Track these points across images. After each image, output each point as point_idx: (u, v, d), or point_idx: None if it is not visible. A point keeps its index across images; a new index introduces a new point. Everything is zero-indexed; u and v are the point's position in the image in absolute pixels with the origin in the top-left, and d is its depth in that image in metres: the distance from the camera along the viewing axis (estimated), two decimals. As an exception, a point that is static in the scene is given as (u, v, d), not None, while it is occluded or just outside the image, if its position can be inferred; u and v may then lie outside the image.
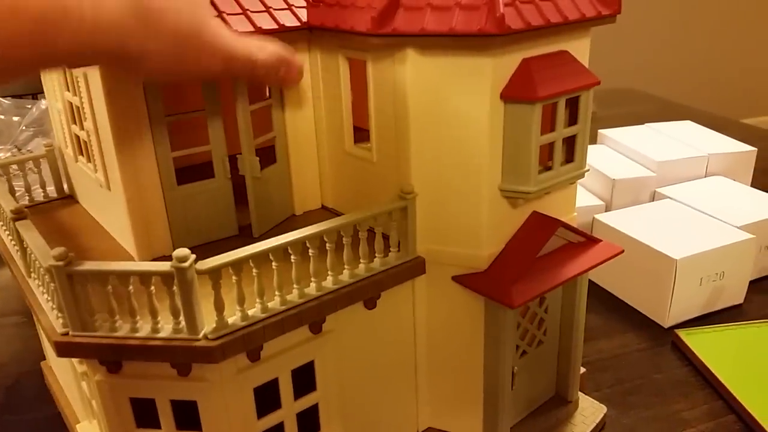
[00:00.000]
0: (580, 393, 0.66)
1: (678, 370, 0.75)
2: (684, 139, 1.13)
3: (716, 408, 0.68)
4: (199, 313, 0.43)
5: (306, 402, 0.52)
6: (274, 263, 0.45)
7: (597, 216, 0.90)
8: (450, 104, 0.49)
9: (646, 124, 1.23)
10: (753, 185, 1.03)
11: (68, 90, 0.59)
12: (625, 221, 0.88)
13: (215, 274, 0.43)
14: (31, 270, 0.52)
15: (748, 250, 0.83)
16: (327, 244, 0.48)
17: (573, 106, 0.52)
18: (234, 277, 0.44)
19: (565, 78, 0.50)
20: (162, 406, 0.47)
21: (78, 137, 0.61)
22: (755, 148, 1.10)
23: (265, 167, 0.58)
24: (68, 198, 0.70)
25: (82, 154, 0.62)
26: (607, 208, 0.99)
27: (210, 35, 0.44)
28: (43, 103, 1.61)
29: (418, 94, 0.50)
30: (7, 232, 0.60)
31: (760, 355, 0.75)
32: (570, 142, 0.53)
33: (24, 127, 1.56)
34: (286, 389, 0.50)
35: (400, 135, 0.52)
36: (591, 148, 1.14)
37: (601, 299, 0.89)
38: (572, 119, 0.53)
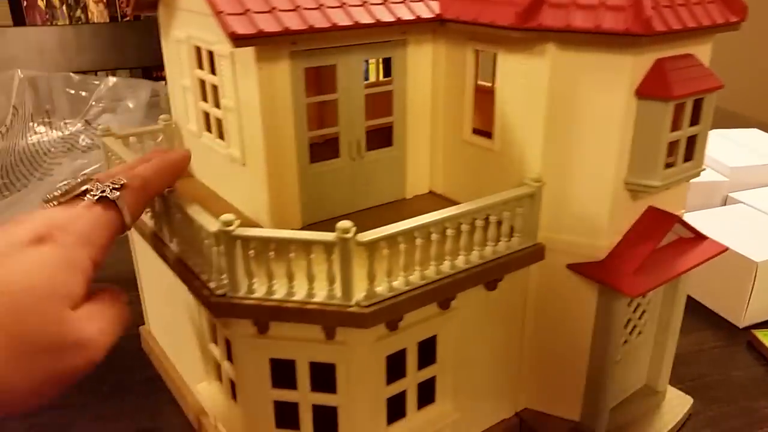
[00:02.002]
0: (668, 385, 0.69)
1: (756, 368, 0.77)
2: (753, 146, 1.15)
3: (797, 406, 0.70)
4: (353, 281, 0.46)
5: (426, 373, 0.55)
6: (417, 240, 0.48)
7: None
8: (585, 98, 0.52)
9: (714, 130, 1.24)
10: (824, 195, 1.04)
11: (201, 68, 0.63)
12: (701, 223, 0.90)
13: (372, 246, 0.46)
14: (173, 237, 0.55)
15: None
16: (462, 225, 0.51)
17: (697, 106, 0.54)
18: (386, 251, 0.47)
19: (694, 80, 0.53)
20: (301, 368, 0.50)
21: (206, 113, 0.64)
22: (828, 158, 1.10)
23: (380, 149, 0.61)
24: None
25: (209, 131, 0.65)
26: (680, 210, 1.01)
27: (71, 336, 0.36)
28: (110, 80, 1.66)
29: (555, 87, 0.52)
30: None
31: (838, 360, 0.77)
32: (691, 142, 0.56)
33: (93, 103, 1.61)
34: (412, 360, 0.53)
35: (531, 126, 0.54)
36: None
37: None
38: (694, 119, 0.55)
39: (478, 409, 0.60)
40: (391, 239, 0.46)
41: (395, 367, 0.52)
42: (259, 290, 0.47)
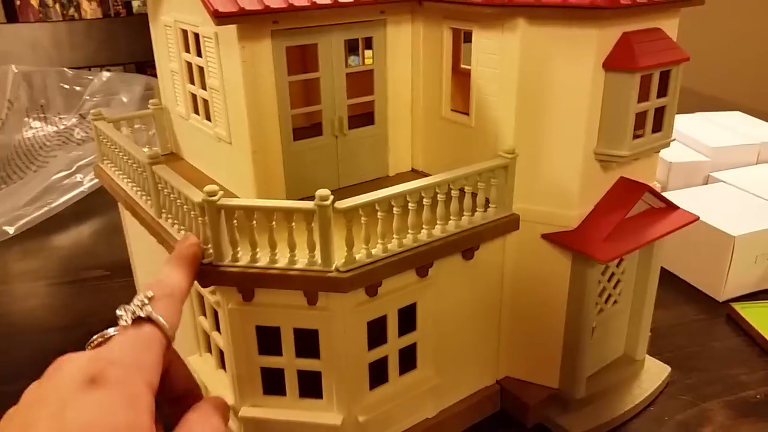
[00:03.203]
0: (646, 355, 0.71)
1: (734, 339, 0.79)
2: (735, 128, 1.17)
3: (772, 374, 0.73)
4: (332, 248, 0.48)
5: (407, 340, 0.57)
6: (395, 209, 0.50)
7: (654, 195, 0.94)
8: (554, 71, 0.54)
9: (697, 113, 1.26)
10: (804, 174, 1.06)
11: (188, 51, 0.65)
12: (682, 201, 0.92)
13: (350, 213, 0.48)
14: (164, 209, 0.57)
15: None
16: (438, 195, 0.53)
17: (664, 79, 0.56)
18: (363, 219, 0.49)
19: (660, 52, 0.55)
20: (285, 334, 0.53)
21: (194, 96, 0.66)
22: (808, 138, 1.13)
23: (362, 128, 0.63)
24: (171, 155, 0.76)
25: (197, 112, 0.67)
26: (663, 191, 1.03)
27: None
28: (103, 75, 1.68)
29: (525, 61, 0.54)
30: (126, 179, 0.66)
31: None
32: (659, 113, 0.58)
33: (87, 97, 1.63)
34: (392, 326, 0.55)
35: (504, 100, 0.56)
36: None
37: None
38: (662, 91, 0.57)
39: (459, 376, 0.62)
40: (368, 207, 0.48)
41: (377, 333, 0.55)
42: (243, 258, 0.49)
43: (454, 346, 0.61)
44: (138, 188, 0.63)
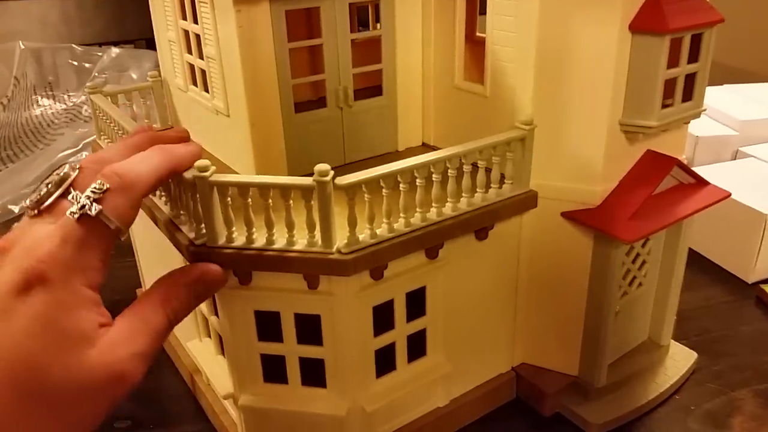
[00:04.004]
0: (671, 340, 0.67)
1: (764, 323, 0.74)
2: (765, 100, 1.11)
3: (806, 361, 0.68)
4: (334, 228, 0.45)
5: (416, 326, 0.53)
6: (402, 185, 0.47)
7: (680, 171, 0.89)
8: (576, 36, 0.49)
9: (724, 85, 1.20)
10: (840, 148, 1.01)
11: (185, 19, 0.61)
12: (710, 177, 0.87)
13: (352, 190, 0.44)
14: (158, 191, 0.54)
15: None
16: (449, 171, 0.49)
17: (696, 43, 0.52)
18: (366, 196, 0.45)
19: (692, 13, 0.50)
20: (286, 320, 0.49)
21: (192, 66, 0.63)
22: (844, 111, 1.06)
23: (369, 99, 0.59)
24: (170, 128, 0.73)
25: (195, 84, 0.63)
26: (689, 166, 0.98)
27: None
28: (113, 51, 1.65)
29: (544, 23, 0.50)
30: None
31: None
32: (689, 81, 0.53)
33: (96, 74, 1.60)
34: (400, 311, 0.52)
35: (522, 67, 0.52)
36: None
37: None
38: (693, 57, 0.52)
39: (473, 363, 0.59)
40: (372, 183, 0.45)
41: (383, 318, 0.51)
42: (238, 239, 0.46)
43: (467, 332, 0.57)
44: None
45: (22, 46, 1.54)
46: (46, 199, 0.37)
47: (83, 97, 1.58)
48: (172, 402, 0.64)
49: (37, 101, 1.54)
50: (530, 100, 0.52)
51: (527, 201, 0.54)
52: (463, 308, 0.56)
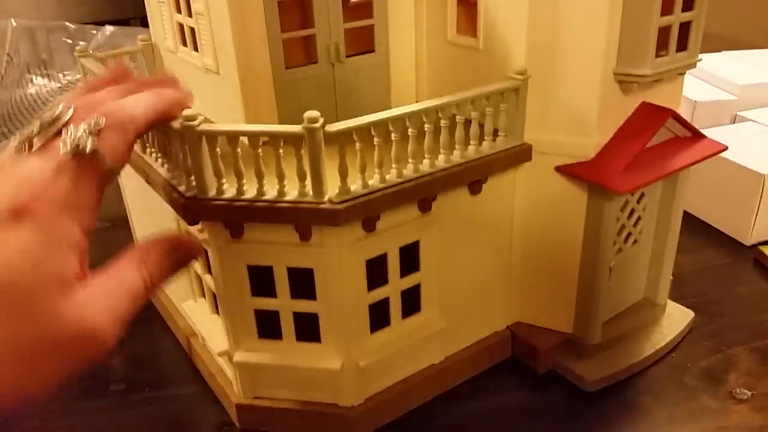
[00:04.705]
0: (669, 300, 0.67)
1: (762, 284, 0.74)
2: (764, 65, 1.10)
3: (803, 319, 0.68)
4: (325, 177, 0.44)
5: (410, 281, 0.53)
6: (393, 135, 0.46)
7: (678, 136, 0.89)
8: (570, -17, 0.48)
9: (724, 51, 1.19)
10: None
11: (173, -23, 0.60)
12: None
13: (343, 137, 0.44)
14: (147, 145, 0.53)
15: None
16: (442, 121, 0.48)
17: (691, -10, 0.51)
18: (358, 145, 0.44)
19: (687, -42, 0.49)
20: (279, 274, 0.49)
21: (181, 26, 0.62)
22: (843, 75, 1.06)
23: (362, 55, 0.59)
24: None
25: (185, 44, 0.62)
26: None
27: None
28: (107, 30, 1.63)
29: (537, -28, 0.49)
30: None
31: None
32: (684, 30, 0.52)
33: (91, 52, 1.59)
34: (393, 266, 0.51)
35: (515, 17, 0.51)
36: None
37: (683, 219, 0.88)
38: (688, 4, 0.51)
39: (468, 320, 0.58)
40: (363, 131, 0.44)
41: (377, 273, 0.51)
42: (229, 191, 0.46)
43: (461, 288, 0.57)
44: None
45: (14, 24, 1.53)
46: (39, 136, 0.35)
47: (78, 76, 1.57)
48: (168, 365, 0.64)
49: (32, 80, 1.53)
50: (523, 51, 0.52)
51: (521, 154, 0.53)
52: (458, 264, 0.56)
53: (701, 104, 0.97)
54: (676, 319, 0.65)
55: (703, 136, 0.57)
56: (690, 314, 0.66)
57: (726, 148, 0.57)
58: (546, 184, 0.55)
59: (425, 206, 0.50)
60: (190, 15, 0.58)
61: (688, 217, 0.88)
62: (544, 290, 0.60)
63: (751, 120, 0.95)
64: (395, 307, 0.53)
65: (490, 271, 0.58)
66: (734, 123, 0.98)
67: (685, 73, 0.55)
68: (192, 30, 0.59)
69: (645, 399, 0.57)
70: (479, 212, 0.55)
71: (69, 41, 1.63)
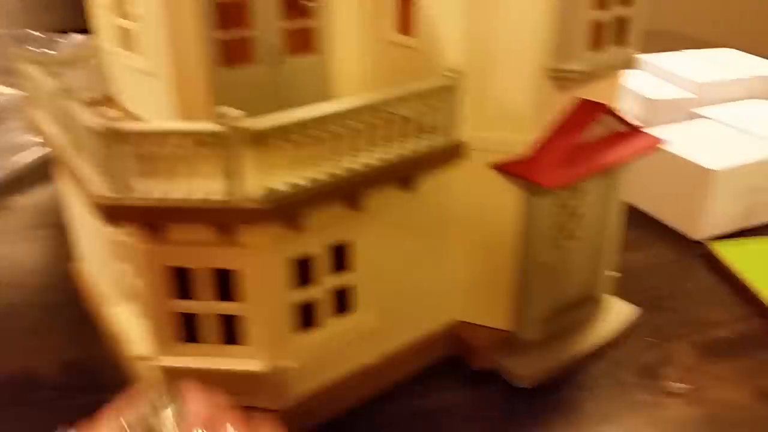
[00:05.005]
0: (611, 296, 0.67)
1: (710, 280, 0.75)
2: (724, 64, 1.11)
3: (749, 313, 0.68)
4: (246, 175, 0.44)
5: (342, 281, 0.53)
6: (319, 133, 0.46)
7: (633, 133, 0.89)
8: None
9: (685, 50, 1.20)
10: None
11: (108, -25, 0.59)
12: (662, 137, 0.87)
13: (263, 136, 0.43)
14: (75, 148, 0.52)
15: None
16: (373, 120, 0.48)
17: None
18: (281, 143, 0.44)
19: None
20: (201, 275, 0.48)
21: (120, 28, 0.61)
22: (801, 72, 1.06)
23: (303, 55, 0.58)
24: (107, 99, 0.71)
25: (125, 48, 0.62)
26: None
27: None
28: (75, 38, 1.61)
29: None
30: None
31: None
32: (622, 26, 0.52)
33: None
34: (322, 265, 0.51)
35: (450, 14, 0.51)
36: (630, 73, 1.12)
37: (632, 215, 0.88)
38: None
39: (405, 319, 0.58)
40: (283, 130, 0.44)
41: (305, 273, 0.50)
42: (149, 190, 0.45)
43: (399, 288, 0.56)
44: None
45: (-26, 30, 1.51)
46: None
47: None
48: (98, 370, 0.63)
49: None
50: (459, 49, 0.51)
51: (456, 151, 0.53)
52: (396, 263, 0.55)
53: (658, 102, 0.98)
54: (618, 314, 0.65)
55: (640, 131, 0.57)
56: (632, 310, 0.66)
57: (662, 142, 0.57)
58: (482, 182, 0.55)
59: (355, 204, 0.50)
60: (127, 18, 0.58)
61: (639, 214, 0.88)
62: (482, 288, 0.60)
63: (707, 117, 0.95)
64: (326, 308, 0.53)
65: (428, 269, 0.58)
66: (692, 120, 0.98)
67: (624, 69, 0.55)
68: (130, 32, 0.59)
69: (581, 395, 0.57)
70: (415, 210, 0.55)
71: (36, 50, 1.61)
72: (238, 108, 0.56)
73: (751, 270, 0.73)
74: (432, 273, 0.58)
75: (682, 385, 0.58)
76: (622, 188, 0.60)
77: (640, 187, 0.89)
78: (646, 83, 1.05)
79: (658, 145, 0.56)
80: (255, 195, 0.44)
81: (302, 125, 0.44)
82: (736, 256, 0.76)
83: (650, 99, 0.97)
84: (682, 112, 0.99)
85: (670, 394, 0.57)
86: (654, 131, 0.90)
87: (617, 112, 0.55)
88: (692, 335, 0.64)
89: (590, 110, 0.53)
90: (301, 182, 0.46)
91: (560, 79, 0.51)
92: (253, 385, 0.51)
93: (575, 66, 0.49)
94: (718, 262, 0.77)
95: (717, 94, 1.02)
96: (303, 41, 0.60)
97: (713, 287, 0.73)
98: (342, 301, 0.54)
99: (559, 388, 0.57)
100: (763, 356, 0.62)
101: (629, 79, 1.06)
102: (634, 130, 0.57)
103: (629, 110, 1.03)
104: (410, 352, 0.58)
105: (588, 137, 0.54)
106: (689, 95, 1.00)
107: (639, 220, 0.87)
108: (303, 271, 0.50)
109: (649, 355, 0.62)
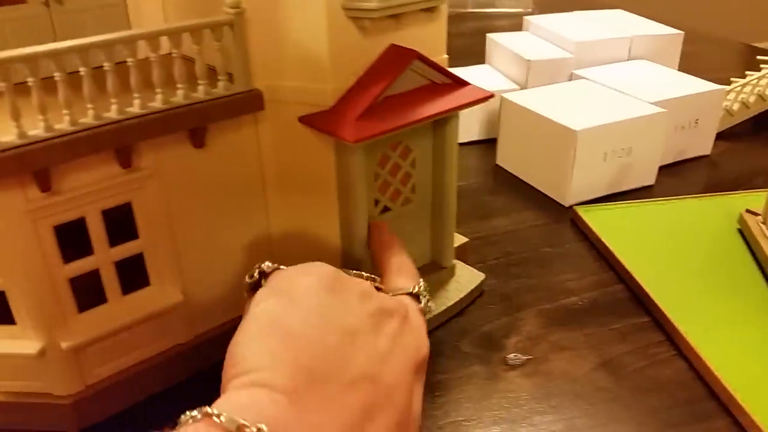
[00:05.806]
0: (459, 262, 0.62)
1: (571, 244, 0.71)
2: (610, 24, 1.08)
3: (605, 279, 0.65)
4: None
5: (125, 250, 0.46)
6: (57, 74, 0.39)
7: (504, 95, 0.85)
8: None
9: (575, 11, 1.17)
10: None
11: None
12: (533, 99, 0.83)
13: (-26, 75, 0.36)
14: None
15: (659, 125, 0.79)
16: (129, 61, 0.41)
17: None
18: (2, 83, 0.37)
19: None
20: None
21: None
22: (682, 32, 1.04)
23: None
24: None
25: None
26: (520, 88, 0.94)
27: None
28: None
29: None
30: None
31: (657, 230, 0.71)
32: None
33: None
34: (97, 233, 0.44)
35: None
36: (514, 34, 1.08)
37: (504, 181, 0.85)
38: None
39: (219, 294, 0.52)
40: (8, 66, 0.37)
41: (77, 242, 0.44)
42: None
43: (206, 257, 0.50)
44: None
45: None
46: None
47: None
48: None
49: None
50: (242, -16, 0.45)
51: (249, 101, 0.47)
52: (198, 229, 0.49)
53: (535, 63, 0.94)
54: (463, 282, 0.61)
55: (465, 83, 0.52)
56: (480, 276, 0.62)
57: (491, 95, 0.52)
58: (293, 137, 0.49)
59: (125, 162, 0.43)
60: None
61: (515, 180, 0.84)
62: (306, 253, 0.54)
63: (585, 78, 0.92)
64: (110, 281, 0.46)
65: (242, 236, 0.52)
66: (570, 81, 0.95)
67: (434, 10, 0.49)
68: None
69: (408, 369, 0.52)
70: (214, 168, 0.48)
71: None
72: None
73: (612, 235, 0.69)
74: (249, 240, 0.52)
75: (521, 356, 0.54)
76: (454, 149, 0.55)
77: (513, 153, 0.86)
78: (526, 44, 1.01)
79: (481, 98, 0.51)
80: (-22, 149, 0.37)
81: (32, 62, 0.37)
82: (600, 221, 0.72)
83: (527, 59, 0.93)
84: (561, 73, 0.96)
85: (508, 366, 0.53)
86: (527, 92, 0.87)
87: (436, 64, 0.50)
88: (542, 303, 0.61)
89: (401, 58, 0.48)
90: (41, 133, 0.39)
91: (360, 19, 0.45)
92: (35, 369, 0.45)
93: (371, 4, 0.44)
94: (582, 225, 0.73)
95: (594, 54, 0.98)
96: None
97: (575, 252, 0.69)
98: (132, 274, 0.47)
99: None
100: (614, 324, 0.58)
101: (509, 39, 1.03)
102: (459, 83, 0.52)
103: (509, 71, 0.99)
104: (229, 330, 0.52)
105: (402, 87, 0.49)
106: (567, 55, 0.97)
107: (512, 186, 0.83)
108: (75, 240, 0.43)
109: (493, 324, 0.58)
